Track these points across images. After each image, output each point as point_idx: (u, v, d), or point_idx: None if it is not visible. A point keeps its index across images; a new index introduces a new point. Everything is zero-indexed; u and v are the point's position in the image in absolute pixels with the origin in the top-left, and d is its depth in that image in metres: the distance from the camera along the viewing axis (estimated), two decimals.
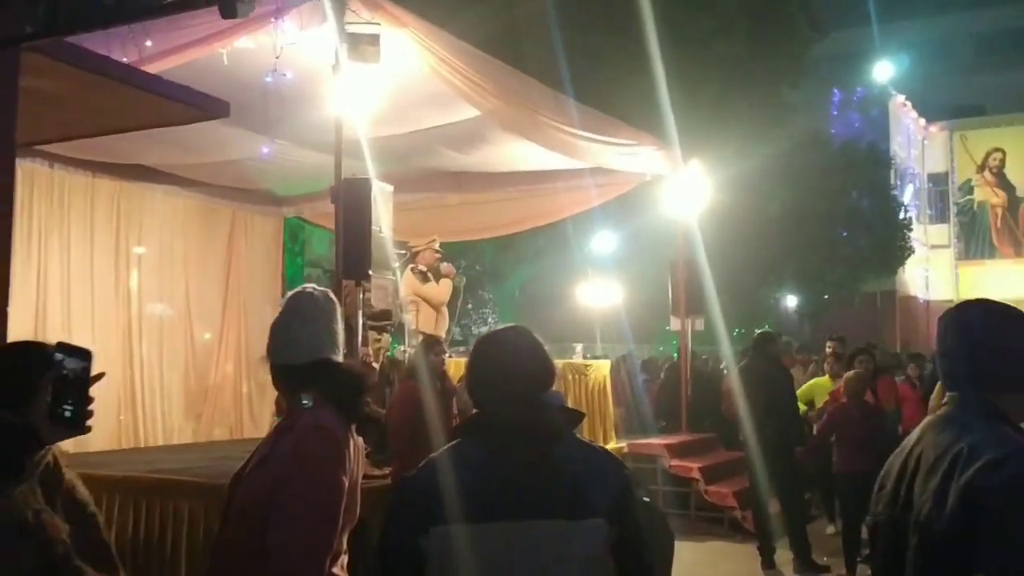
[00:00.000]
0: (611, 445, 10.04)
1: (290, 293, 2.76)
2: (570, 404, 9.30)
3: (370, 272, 6.23)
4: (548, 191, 11.49)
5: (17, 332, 4.49)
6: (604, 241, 22.52)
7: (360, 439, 2.77)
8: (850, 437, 7.76)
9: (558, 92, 9.33)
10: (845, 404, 7.98)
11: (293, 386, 2.69)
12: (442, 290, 8.85)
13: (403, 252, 8.31)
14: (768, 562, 8.14)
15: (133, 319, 10.40)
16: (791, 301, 27.63)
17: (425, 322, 8.69)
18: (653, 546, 2.30)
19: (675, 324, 11.70)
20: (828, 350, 9.89)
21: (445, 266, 9.01)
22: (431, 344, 7.38)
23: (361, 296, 6.32)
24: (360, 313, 6.41)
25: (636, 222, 21.68)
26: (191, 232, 11.44)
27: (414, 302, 8.65)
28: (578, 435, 2.40)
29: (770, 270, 22.74)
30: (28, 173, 9.76)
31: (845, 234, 23.78)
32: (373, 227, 6.26)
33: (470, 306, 26.82)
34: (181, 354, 10.99)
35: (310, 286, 2.77)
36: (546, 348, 2.48)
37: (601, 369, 10.22)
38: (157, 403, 10.44)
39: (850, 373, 8.16)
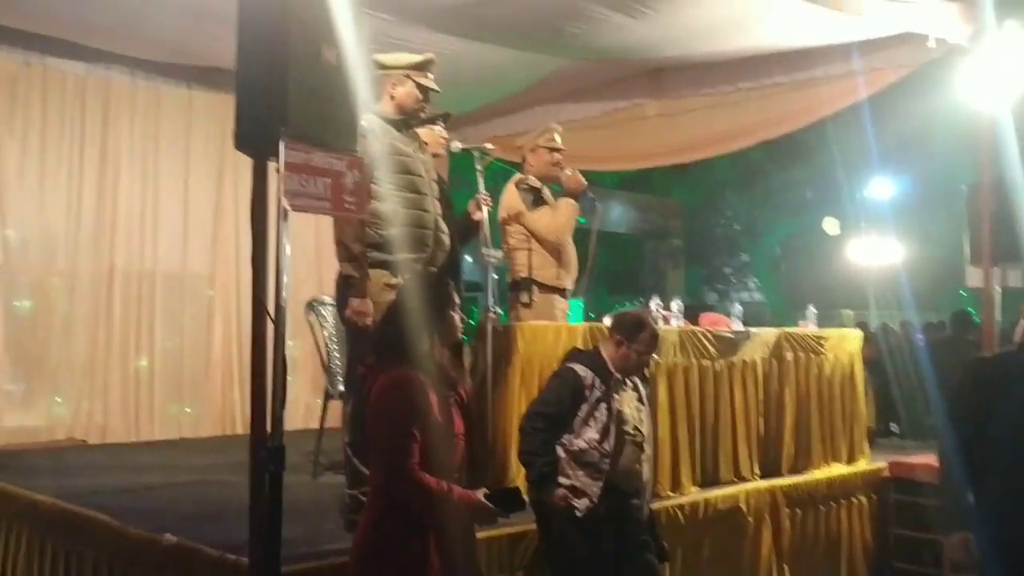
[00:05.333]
0: (861, 465, 5.98)
1: None
2: (788, 398, 5.37)
3: (281, 142, 2.73)
4: (778, 88, 7.43)
5: None
6: (881, 189, 17.70)
7: None
8: None
9: None
10: None
11: None
12: (560, 218, 5.14)
13: (481, 153, 4.71)
14: None
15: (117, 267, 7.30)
16: None
17: (541, 267, 5.08)
18: None
19: (973, 278, 7.28)
20: None
21: (568, 176, 5.30)
22: (633, 326, 3.86)
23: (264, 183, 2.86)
24: (279, 222, 2.92)
25: (920, 164, 16.72)
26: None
27: (520, 233, 5.09)
28: None
29: None
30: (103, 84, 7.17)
31: None
32: (295, 38, 2.75)
33: (728, 270, 22.67)
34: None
35: None
36: None
37: (845, 343, 6.11)
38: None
39: None
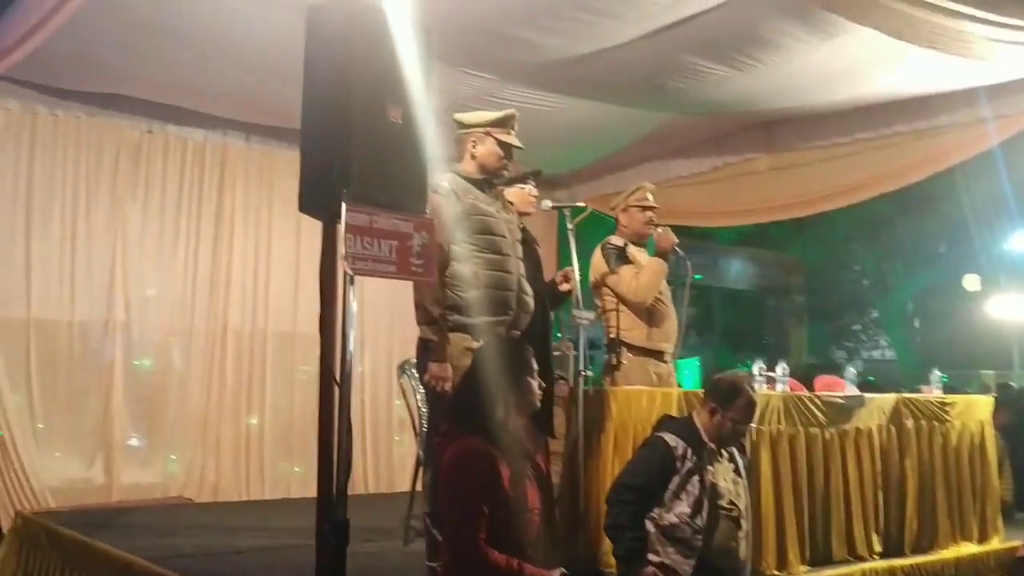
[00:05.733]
0: (994, 544, 5.44)
1: None
2: (910, 469, 4.95)
3: (344, 204, 2.65)
4: (898, 138, 7.04)
5: None
6: (1022, 241, 16.66)
7: None
8: None
9: None
10: None
11: None
12: (643, 277, 4.85)
13: (573, 212, 4.58)
14: None
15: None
16: None
17: (630, 328, 4.86)
18: None
19: None
20: None
21: (659, 234, 5.03)
22: (728, 392, 3.65)
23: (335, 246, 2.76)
24: (346, 286, 2.82)
25: None
26: None
27: (608, 295, 4.91)
28: None
29: None
30: (220, 148, 7.40)
31: None
32: (359, 97, 2.66)
33: (857, 327, 21.71)
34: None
35: None
36: None
37: (974, 410, 5.62)
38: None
39: None
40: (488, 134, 3.98)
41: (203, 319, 7.27)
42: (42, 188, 6.64)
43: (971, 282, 16.66)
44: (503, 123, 4.00)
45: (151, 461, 7.01)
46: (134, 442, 6.96)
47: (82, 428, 6.70)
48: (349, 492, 7.55)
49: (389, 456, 7.93)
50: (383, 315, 7.74)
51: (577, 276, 4.41)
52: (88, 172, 6.85)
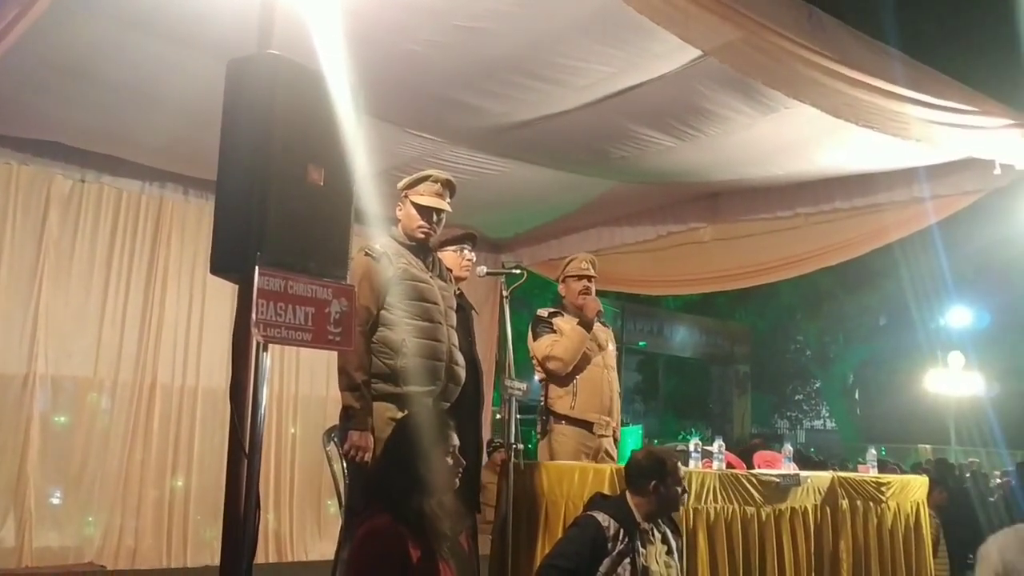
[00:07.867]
0: None
1: None
2: (844, 551, 4.84)
3: (257, 267, 2.50)
4: (838, 214, 7.09)
5: None
6: (960, 317, 16.94)
7: None
8: None
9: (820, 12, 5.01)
10: None
11: None
12: (559, 345, 4.79)
13: (509, 279, 4.47)
14: None
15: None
16: None
17: (556, 398, 4.77)
18: None
19: None
20: None
21: (583, 301, 4.98)
22: (656, 464, 3.54)
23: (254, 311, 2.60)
24: (259, 354, 2.67)
25: (1001, 292, 15.96)
26: None
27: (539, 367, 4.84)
28: None
29: None
30: (156, 200, 7.20)
31: None
32: (278, 157, 2.54)
33: (800, 397, 21.84)
34: None
35: None
36: None
37: (909, 491, 5.56)
38: None
39: None
40: (406, 197, 3.89)
41: (129, 374, 6.99)
42: None
43: (955, 360, 16.22)
44: (415, 185, 3.91)
45: (66, 523, 6.64)
46: (49, 503, 6.60)
47: None
48: (275, 560, 7.23)
49: (317, 522, 7.65)
50: (319, 372, 7.54)
51: (511, 344, 4.29)
52: (14, 219, 6.59)
